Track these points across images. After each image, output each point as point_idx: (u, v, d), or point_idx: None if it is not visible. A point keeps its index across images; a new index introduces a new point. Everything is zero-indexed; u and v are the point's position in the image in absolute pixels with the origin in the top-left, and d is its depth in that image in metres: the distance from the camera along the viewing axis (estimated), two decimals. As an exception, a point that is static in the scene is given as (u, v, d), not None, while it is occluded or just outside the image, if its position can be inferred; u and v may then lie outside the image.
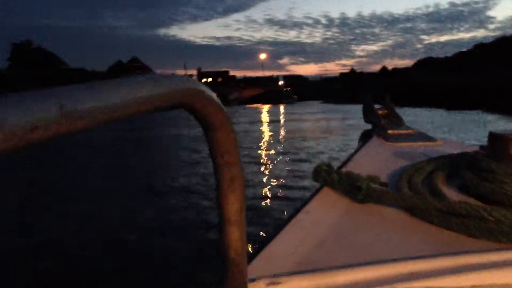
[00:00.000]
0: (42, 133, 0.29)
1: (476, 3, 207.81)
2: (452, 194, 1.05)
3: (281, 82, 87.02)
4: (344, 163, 1.35)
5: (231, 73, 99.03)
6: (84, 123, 0.33)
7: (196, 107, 0.48)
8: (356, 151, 1.57)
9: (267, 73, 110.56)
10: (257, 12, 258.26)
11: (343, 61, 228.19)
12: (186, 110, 0.48)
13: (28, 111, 0.28)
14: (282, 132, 18.68)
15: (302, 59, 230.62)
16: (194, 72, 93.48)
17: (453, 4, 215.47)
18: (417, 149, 1.55)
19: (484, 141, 1.13)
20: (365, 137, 1.88)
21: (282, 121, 26.85)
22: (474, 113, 24.50)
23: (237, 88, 75.72)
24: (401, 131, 1.83)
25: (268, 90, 73.72)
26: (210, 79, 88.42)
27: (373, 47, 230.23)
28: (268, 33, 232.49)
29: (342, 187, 1.03)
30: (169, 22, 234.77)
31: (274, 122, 25.80)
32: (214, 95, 0.51)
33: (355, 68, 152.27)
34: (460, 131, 14.89)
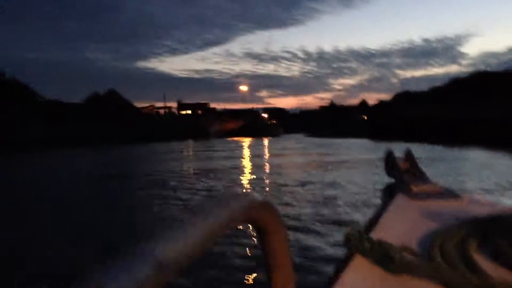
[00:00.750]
0: None
1: (449, 39, 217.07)
2: (487, 265, 1.02)
3: (265, 115, 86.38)
4: (371, 225, 1.31)
5: (211, 105, 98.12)
6: (177, 267, 0.35)
7: (256, 218, 0.52)
8: (381, 210, 1.50)
9: (247, 106, 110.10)
10: (235, 46, 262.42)
11: (321, 94, 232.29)
12: (245, 221, 0.51)
13: (127, 276, 0.30)
14: (270, 171, 17.12)
15: (280, 92, 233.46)
16: (173, 104, 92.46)
17: (426, 41, 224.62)
18: (444, 208, 1.52)
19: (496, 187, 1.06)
20: (388, 193, 1.76)
21: (266, 156, 25.56)
22: (470, 150, 24.11)
23: (218, 121, 74.41)
24: (425, 187, 1.76)
25: (251, 123, 72.52)
26: (189, 111, 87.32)
27: (350, 81, 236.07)
28: (247, 66, 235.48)
29: (374, 256, 1.03)
30: (148, 55, 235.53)
31: (258, 157, 24.30)
32: (273, 205, 0.55)
33: (333, 101, 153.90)
34: (471, 176, 12.80)
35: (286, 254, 0.58)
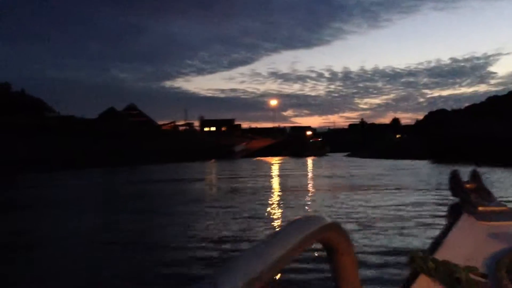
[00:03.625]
0: None
1: (478, 58, 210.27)
2: None
3: (309, 132, 79.35)
4: (436, 246, 1.31)
5: (236, 122, 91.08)
6: (262, 283, 0.39)
7: (326, 239, 0.55)
8: (446, 230, 1.48)
9: (273, 125, 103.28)
10: (261, 66, 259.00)
11: (347, 114, 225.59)
12: (317, 242, 0.54)
13: None
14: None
15: (306, 111, 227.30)
16: (196, 121, 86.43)
17: (454, 60, 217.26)
18: (511, 228, 1.48)
19: None
20: (453, 213, 1.71)
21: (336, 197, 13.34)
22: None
23: (243, 139, 67.53)
24: (493, 208, 1.69)
25: (285, 140, 65.13)
26: (213, 128, 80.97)
27: (376, 100, 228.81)
28: (272, 86, 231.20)
29: (439, 276, 1.03)
30: (174, 75, 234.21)
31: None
32: (341, 226, 0.58)
33: (358, 121, 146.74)
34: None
35: (355, 274, 0.59)
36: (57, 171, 31.28)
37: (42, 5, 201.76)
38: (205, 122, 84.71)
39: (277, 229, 0.49)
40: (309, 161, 43.45)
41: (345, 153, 56.68)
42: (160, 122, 79.80)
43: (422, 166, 28.27)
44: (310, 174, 23.89)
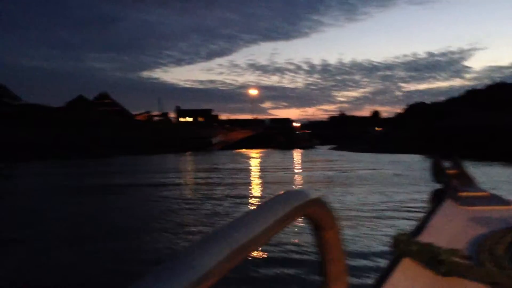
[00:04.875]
0: (220, 273, 0.35)
1: (453, 53, 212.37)
2: None
3: (297, 124, 76.38)
4: (419, 230, 1.32)
5: (214, 113, 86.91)
6: (247, 253, 0.40)
7: (310, 213, 0.55)
8: (429, 214, 1.49)
9: (251, 116, 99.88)
10: (240, 57, 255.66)
11: (325, 106, 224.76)
12: (302, 216, 0.54)
13: (211, 258, 0.35)
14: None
15: (284, 104, 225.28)
16: (172, 112, 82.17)
17: (430, 54, 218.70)
18: (493, 213, 1.50)
19: None
20: (435, 198, 1.72)
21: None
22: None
23: (221, 130, 64.03)
24: (474, 193, 1.73)
25: (266, 132, 61.78)
26: (190, 119, 77.03)
27: (354, 93, 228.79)
28: (251, 78, 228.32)
29: (422, 259, 1.04)
30: (153, 65, 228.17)
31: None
32: (326, 201, 0.57)
33: (337, 113, 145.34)
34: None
35: (340, 249, 0.60)
36: (9, 162, 27.65)
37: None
38: (181, 112, 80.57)
39: (260, 203, 0.48)
40: (297, 154, 40.39)
41: (330, 146, 53.86)
42: (136, 113, 75.57)
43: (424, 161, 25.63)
44: (305, 174, 20.12)
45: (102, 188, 13.77)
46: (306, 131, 68.79)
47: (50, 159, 31.70)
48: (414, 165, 21.80)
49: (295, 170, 21.02)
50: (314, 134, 67.85)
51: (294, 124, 76.09)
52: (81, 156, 34.30)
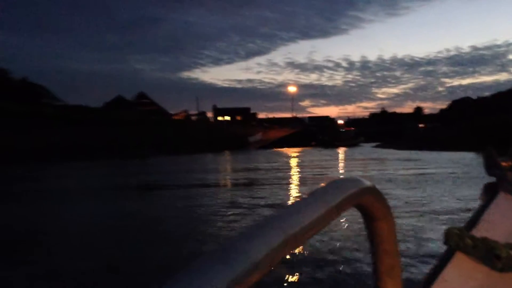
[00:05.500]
0: (272, 261, 0.34)
1: (498, 46, 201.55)
2: None
3: (340, 121, 74.45)
4: (473, 224, 1.27)
5: (253, 112, 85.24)
6: (298, 243, 0.38)
7: (363, 202, 0.52)
8: (482, 208, 1.44)
9: (289, 115, 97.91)
10: (278, 56, 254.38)
11: (364, 104, 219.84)
12: (354, 206, 0.51)
13: (263, 246, 0.33)
14: None
15: (323, 101, 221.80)
16: (209, 112, 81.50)
17: (474, 48, 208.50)
18: None
19: None
20: (489, 192, 1.68)
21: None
22: None
23: (259, 129, 62.51)
24: None
25: (306, 129, 59.78)
26: (227, 117, 76.02)
27: (394, 90, 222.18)
28: (289, 76, 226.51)
29: (477, 254, 1.00)
30: (192, 65, 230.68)
31: None
32: (379, 191, 0.55)
33: (377, 110, 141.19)
34: None
35: (393, 240, 0.57)
36: (52, 162, 27.34)
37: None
38: (218, 111, 79.66)
39: (312, 191, 0.46)
40: (342, 152, 38.26)
41: (374, 144, 51.25)
42: (173, 112, 75.45)
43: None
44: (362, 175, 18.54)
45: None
46: (351, 128, 66.18)
47: (88, 160, 31.26)
48: (476, 165, 19.50)
49: (347, 171, 19.18)
50: (359, 132, 65.27)
51: (339, 121, 73.63)
52: (119, 156, 33.73)
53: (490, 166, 1.85)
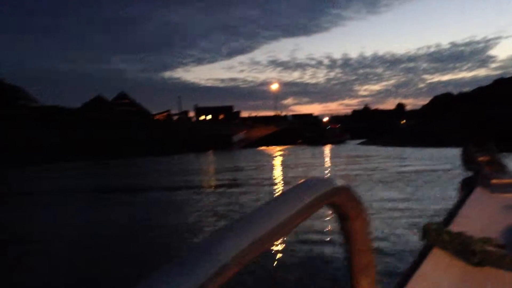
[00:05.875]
0: (241, 263, 0.34)
1: (477, 42, 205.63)
2: None
3: (325, 118, 73.98)
4: (450, 218, 1.30)
5: (236, 110, 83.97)
6: (269, 244, 0.38)
7: (336, 202, 0.52)
8: (459, 203, 1.46)
9: (273, 113, 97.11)
10: (260, 54, 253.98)
11: (347, 101, 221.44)
12: (327, 206, 0.52)
13: (232, 248, 0.33)
14: None
15: (306, 99, 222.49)
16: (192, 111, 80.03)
17: (454, 44, 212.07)
18: None
19: None
20: (466, 187, 1.70)
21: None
22: None
23: (242, 127, 61.56)
24: (507, 180, 1.67)
25: (290, 127, 59.04)
26: (209, 117, 74.75)
27: (376, 87, 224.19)
28: (272, 74, 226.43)
29: (454, 248, 1.03)
30: (174, 65, 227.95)
31: None
32: (353, 190, 0.55)
33: (360, 107, 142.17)
34: None
35: (367, 239, 0.58)
36: (24, 165, 26.02)
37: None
38: (200, 110, 78.33)
39: (283, 191, 0.46)
40: (328, 150, 37.48)
41: (359, 141, 50.80)
42: (155, 113, 73.86)
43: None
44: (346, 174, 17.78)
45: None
46: (336, 125, 65.73)
47: (63, 161, 29.98)
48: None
49: (340, 171, 18.41)
50: (344, 129, 64.85)
51: (324, 118, 73.21)
52: (94, 158, 32.44)
53: (467, 162, 1.83)
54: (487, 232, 1.09)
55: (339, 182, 0.52)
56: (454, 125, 41.10)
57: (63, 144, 37.89)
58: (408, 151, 29.03)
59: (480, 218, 1.27)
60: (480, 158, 1.85)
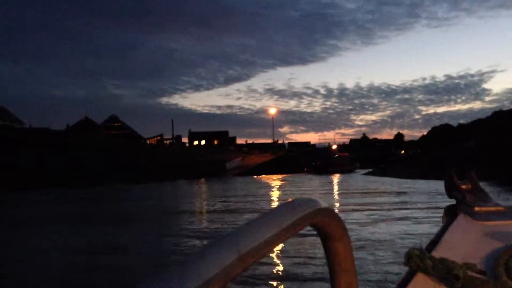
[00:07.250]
0: (225, 279, 0.34)
1: (472, 76, 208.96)
2: None
3: (334, 146, 71.12)
4: (433, 245, 1.30)
5: (231, 136, 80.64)
6: (253, 261, 0.39)
7: (319, 223, 0.54)
8: (443, 230, 1.45)
9: (269, 140, 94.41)
10: (257, 82, 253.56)
11: (343, 130, 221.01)
12: (310, 226, 0.53)
13: (216, 264, 0.34)
14: None
15: (302, 128, 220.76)
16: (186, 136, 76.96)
17: (449, 77, 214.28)
18: (509, 228, 1.45)
19: None
20: (449, 214, 1.69)
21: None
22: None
23: (237, 154, 58.35)
24: (489, 208, 1.66)
25: (288, 155, 55.86)
26: (203, 142, 71.51)
27: (372, 117, 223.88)
28: (268, 102, 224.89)
29: (437, 274, 1.03)
30: (171, 91, 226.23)
31: None
32: (335, 211, 0.57)
33: (356, 137, 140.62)
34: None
35: (350, 259, 0.59)
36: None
37: (37, 21, 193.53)
38: (194, 135, 75.19)
39: (267, 211, 0.47)
40: (337, 180, 33.93)
41: (365, 171, 47.47)
42: (148, 137, 70.75)
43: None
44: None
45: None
46: (345, 153, 62.57)
47: (39, 187, 26.74)
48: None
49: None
50: (355, 157, 61.68)
51: (333, 146, 70.37)
52: (71, 184, 29.07)
53: (450, 189, 1.86)
54: (469, 258, 1.09)
55: (322, 204, 0.53)
56: (466, 154, 38.33)
57: (38, 168, 34.63)
58: (433, 184, 25.53)
59: (462, 245, 1.26)
60: (463, 186, 1.81)
